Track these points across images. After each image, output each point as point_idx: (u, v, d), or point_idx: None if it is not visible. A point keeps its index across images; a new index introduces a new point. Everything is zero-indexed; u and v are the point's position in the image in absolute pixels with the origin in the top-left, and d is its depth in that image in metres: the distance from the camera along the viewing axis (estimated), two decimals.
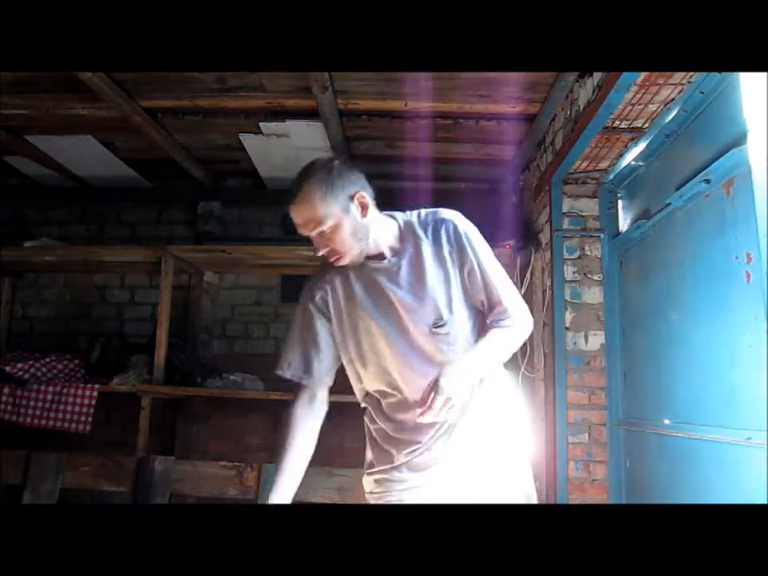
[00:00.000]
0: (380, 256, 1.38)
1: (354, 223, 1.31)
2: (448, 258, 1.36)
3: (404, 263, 1.37)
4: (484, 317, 1.41)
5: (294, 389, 1.46)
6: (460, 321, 1.37)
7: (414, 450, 1.38)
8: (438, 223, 1.38)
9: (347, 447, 3.32)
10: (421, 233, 1.38)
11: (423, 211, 1.43)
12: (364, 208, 1.33)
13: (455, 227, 1.38)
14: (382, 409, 1.45)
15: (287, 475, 1.37)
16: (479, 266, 1.37)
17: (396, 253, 1.38)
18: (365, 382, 1.46)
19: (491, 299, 1.38)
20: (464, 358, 1.29)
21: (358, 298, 1.39)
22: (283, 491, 1.36)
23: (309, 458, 1.42)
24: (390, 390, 1.41)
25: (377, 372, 1.41)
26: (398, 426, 1.41)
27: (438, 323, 1.34)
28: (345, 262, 1.35)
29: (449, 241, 1.37)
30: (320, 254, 1.34)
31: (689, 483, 1.87)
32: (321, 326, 1.44)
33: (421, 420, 1.21)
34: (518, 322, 1.39)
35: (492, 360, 1.37)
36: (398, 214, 1.44)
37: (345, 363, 1.48)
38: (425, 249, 1.37)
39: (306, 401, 1.44)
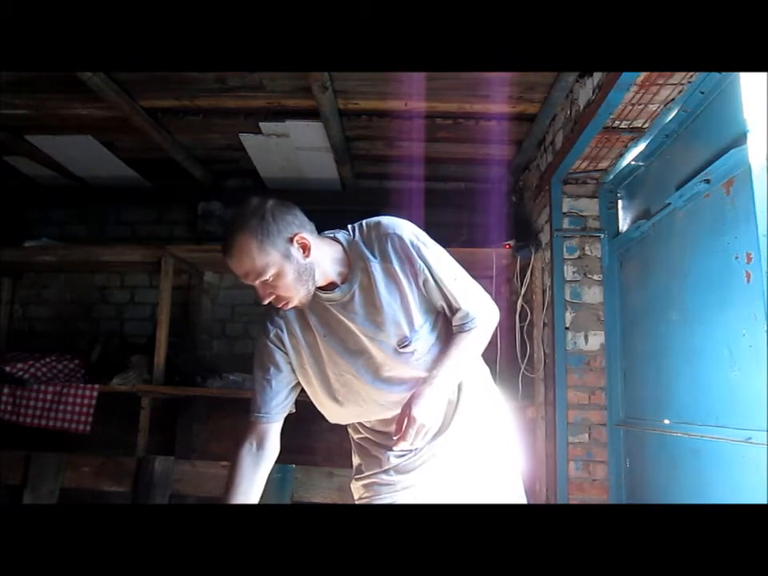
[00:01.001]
0: (330, 286, 1.33)
1: (297, 266, 1.25)
2: (400, 273, 1.31)
3: (356, 289, 1.32)
4: (446, 316, 1.39)
5: (244, 428, 1.41)
6: (423, 334, 1.34)
7: (402, 455, 1.39)
8: (384, 239, 1.32)
9: (347, 447, 3.31)
10: (367, 253, 1.32)
11: (365, 226, 1.36)
12: (305, 249, 1.27)
13: (400, 239, 1.31)
14: (364, 423, 1.46)
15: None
16: (432, 273, 1.32)
17: (345, 278, 1.33)
18: (337, 415, 1.44)
19: (451, 304, 1.35)
20: (433, 380, 1.27)
21: (316, 332, 1.36)
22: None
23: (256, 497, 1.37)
24: (364, 421, 1.44)
25: (349, 401, 1.38)
26: (383, 435, 1.43)
27: (403, 344, 1.31)
28: (293, 305, 1.30)
29: (397, 255, 1.31)
30: (265, 302, 1.28)
31: (689, 483, 1.87)
32: (279, 361, 1.39)
33: (396, 448, 1.24)
34: (480, 319, 1.36)
35: (462, 367, 1.36)
36: (340, 235, 1.37)
37: (312, 397, 1.45)
38: (375, 269, 1.31)
39: (254, 446, 1.39)
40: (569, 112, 2.35)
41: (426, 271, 1.31)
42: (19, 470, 2.41)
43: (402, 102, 2.58)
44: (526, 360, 2.79)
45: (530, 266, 2.81)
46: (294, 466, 2.39)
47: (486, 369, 1.54)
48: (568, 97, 2.36)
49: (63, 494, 2.39)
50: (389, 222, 1.34)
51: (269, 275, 1.24)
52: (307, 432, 3.27)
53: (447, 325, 1.39)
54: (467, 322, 1.34)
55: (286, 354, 1.39)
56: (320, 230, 1.37)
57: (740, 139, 1.58)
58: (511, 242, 2.89)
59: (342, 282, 1.33)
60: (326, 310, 1.34)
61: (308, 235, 1.28)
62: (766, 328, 1.45)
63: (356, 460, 1.52)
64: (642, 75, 1.80)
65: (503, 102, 2.54)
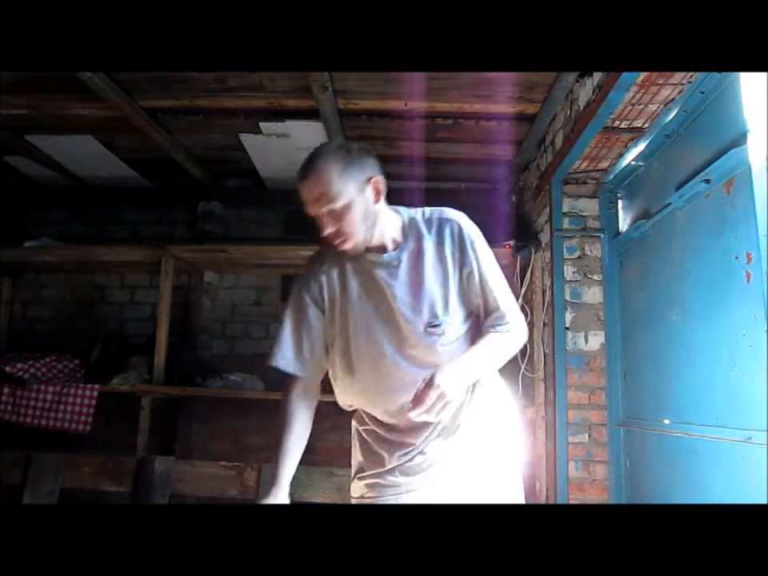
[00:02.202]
0: (381, 248, 1.35)
1: (366, 207, 1.29)
2: (449, 257, 1.34)
3: (404, 258, 1.34)
4: (479, 321, 1.39)
5: (285, 379, 1.44)
6: (455, 322, 1.34)
7: (407, 453, 1.37)
8: (443, 222, 1.36)
9: (347, 447, 3.31)
10: (424, 230, 1.36)
11: (428, 210, 1.41)
12: (378, 193, 1.31)
13: (460, 228, 1.35)
14: (370, 413, 1.44)
15: (285, 468, 1.36)
16: (479, 269, 1.34)
17: (397, 246, 1.35)
18: (346, 391, 1.43)
19: (488, 303, 1.35)
20: (460, 360, 1.26)
21: (353, 292, 1.37)
22: (281, 482, 1.34)
23: (303, 449, 1.41)
24: (374, 397, 1.39)
25: (361, 373, 1.37)
26: (389, 427, 1.40)
27: (433, 322, 1.31)
28: (348, 245, 1.31)
29: (452, 241, 1.34)
30: (326, 233, 1.29)
31: (689, 483, 1.87)
32: (314, 316, 1.40)
33: (413, 416, 1.16)
34: (515, 329, 1.36)
35: (487, 364, 1.35)
36: (402, 210, 1.41)
37: (329, 364, 1.44)
38: (427, 246, 1.34)
39: (300, 392, 1.42)
40: (569, 112, 2.35)
41: (474, 265, 1.34)
42: (19, 470, 2.41)
43: (402, 102, 2.58)
44: (526, 360, 2.79)
45: (530, 266, 2.81)
46: None
47: (502, 380, 1.52)
48: (568, 97, 2.36)
49: (63, 494, 2.39)
50: (452, 211, 1.39)
51: (339, 204, 1.26)
52: None
53: (477, 326, 1.39)
54: (502, 324, 1.34)
55: (322, 309, 1.40)
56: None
57: (740, 139, 1.58)
58: (511, 242, 2.89)
59: (393, 249, 1.35)
60: (369, 272, 1.35)
61: (383, 183, 1.32)
62: (766, 328, 1.45)
63: (357, 457, 1.49)
64: (642, 75, 1.80)
65: (503, 102, 2.54)
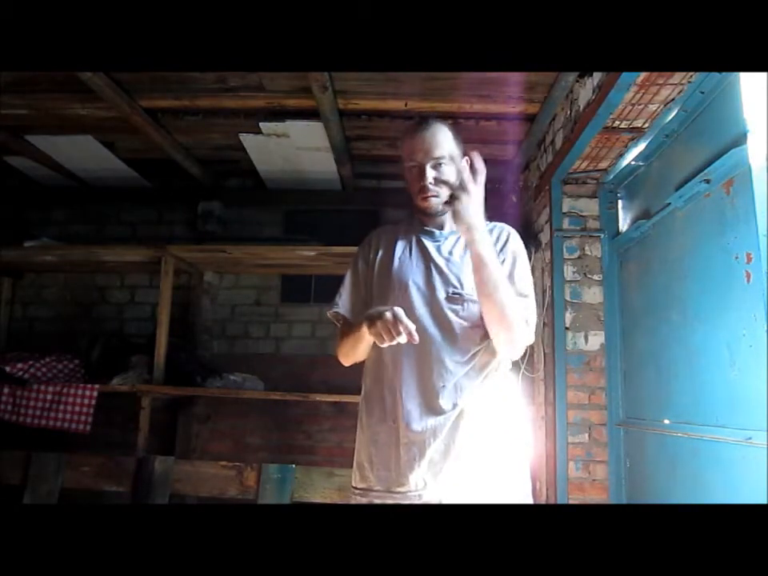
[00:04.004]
0: (440, 226, 1.49)
1: (456, 174, 1.42)
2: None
3: (452, 238, 1.47)
4: None
5: (340, 321, 1.53)
6: (473, 303, 1.39)
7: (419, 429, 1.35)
8: (497, 226, 1.50)
9: (347, 447, 3.32)
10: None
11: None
12: (464, 169, 1.40)
13: (509, 234, 1.49)
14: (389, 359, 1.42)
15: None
16: (512, 266, 1.43)
17: (452, 229, 1.46)
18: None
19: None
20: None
21: (399, 253, 1.48)
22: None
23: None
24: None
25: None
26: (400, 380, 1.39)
27: (455, 291, 1.40)
28: (435, 201, 1.43)
29: (498, 239, 1.46)
30: (426, 181, 1.41)
31: (689, 483, 1.87)
32: (364, 274, 1.52)
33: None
34: (529, 323, 1.38)
35: (493, 274, 1.33)
36: None
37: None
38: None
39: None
40: (569, 112, 2.35)
41: (509, 262, 1.44)
42: (19, 470, 2.41)
43: (402, 102, 2.58)
44: (525, 360, 2.79)
45: (530, 266, 2.81)
46: (294, 465, 2.39)
47: (510, 375, 1.52)
48: (568, 97, 2.36)
49: (63, 493, 2.39)
50: (509, 226, 1.53)
51: (446, 157, 1.41)
52: (307, 432, 3.27)
53: None
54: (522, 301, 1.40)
55: (369, 268, 1.52)
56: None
57: (740, 139, 1.58)
58: None
59: (448, 231, 1.49)
60: (419, 242, 1.48)
61: (469, 164, 1.42)
62: (766, 328, 1.45)
63: (364, 453, 1.44)
64: (642, 75, 1.80)
65: (503, 102, 2.54)
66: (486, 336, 1.39)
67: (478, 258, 1.32)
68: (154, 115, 2.74)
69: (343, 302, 1.53)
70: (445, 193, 1.42)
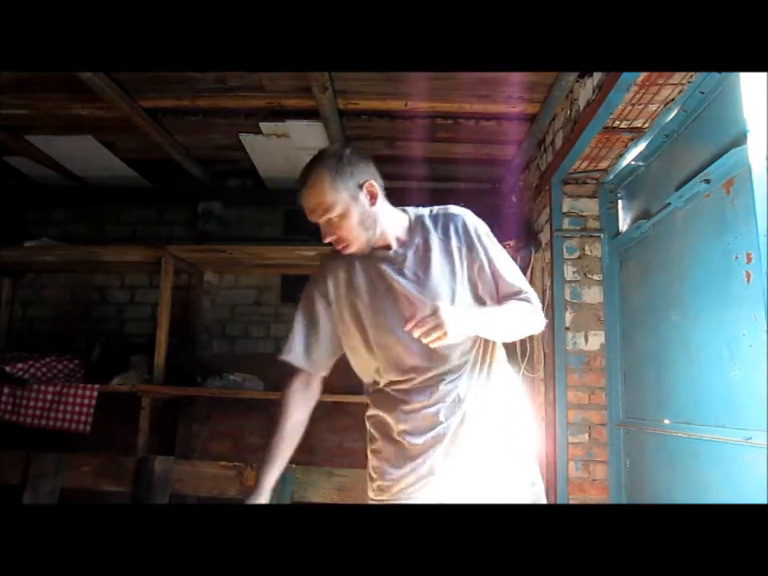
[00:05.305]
0: (386, 247, 1.39)
1: (363, 211, 1.32)
2: (456, 252, 1.37)
3: (410, 254, 1.37)
4: None
5: (290, 373, 1.46)
6: None
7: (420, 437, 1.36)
8: (449, 218, 1.40)
9: (347, 447, 3.32)
10: (431, 226, 1.40)
11: (434, 208, 1.44)
12: (373, 197, 1.34)
13: (465, 223, 1.39)
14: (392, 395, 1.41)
15: (273, 467, 1.38)
16: (489, 262, 1.37)
17: (403, 244, 1.39)
18: (372, 370, 1.44)
19: (505, 289, 1.37)
20: (468, 310, 1.29)
21: (361, 287, 1.39)
22: (263, 485, 1.35)
23: (294, 446, 1.42)
24: (400, 377, 1.39)
25: (383, 359, 1.39)
26: (407, 409, 1.38)
27: (435, 311, 1.30)
28: (351, 249, 1.35)
29: (458, 235, 1.38)
30: (327, 240, 1.34)
31: (689, 483, 1.87)
32: (322, 312, 1.44)
33: (407, 328, 1.19)
34: (533, 300, 1.37)
35: (497, 321, 1.33)
36: (410, 209, 1.45)
37: (348, 351, 1.47)
38: (433, 241, 1.37)
39: (301, 386, 1.44)
40: (569, 112, 2.35)
41: (484, 258, 1.37)
42: (19, 470, 2.40)
43: (402, 102, 2.58)
44: (526, 360, 2.79)
45: (530, 266, 2.81)
46: (294, 465, 2.38)
47: (514, 373, 1.53)
48: (568, 97, 2.36)
49: (63, 493, 2.39)
50: (458, 208, 1.43)
51: (335, 213, 1.30)
52: (307, 432, 3.26)
53: None
54: (521, 296, 1.36)
55: (330, 304, 1.43)
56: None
57: (740, 139, 1.58)
58: (511, 242, 2.88)
59: (399, 247, 1.39)
60: (376, 269, 1.38)
61: (377, 185, 1.35)
62: (765, 328, 1.45)
63: (375, 449, 1.45)
64: (642, 75, 1.80)
65: (503, 102, 2.54)
66: (476, 338, 1.38)
67: (476, 333, 1.32)
68: (154, 115, 2.74)
69: (296, 349, 1.43)
70: (356, 232, 1.32)
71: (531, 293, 1.39)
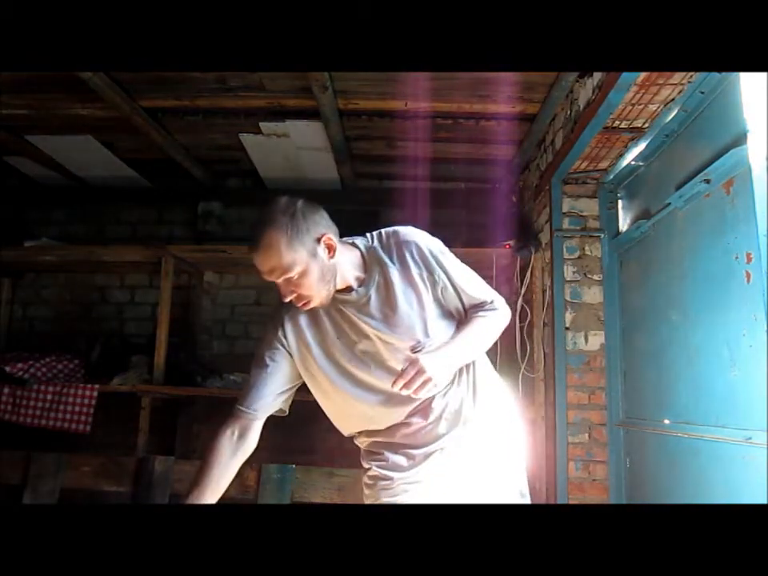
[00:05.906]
0: (347, 289, 1.34)
1: (322, 266, 1.27)
2: (418, 280, 1.34)
3: (372, 293, 1.33)
4: (462, 320, 1.42)
5: (229, 415, 1.40)
6: (438, 342, 1.33)
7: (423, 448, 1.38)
8: (401, 246, 1.35)
9: (347, 448, 3.30)
10: (386, 259, 1.35)
11: (383, 234, 1.39)
12: (331, 250, 1.28)
13: (418, 247, 1.35)
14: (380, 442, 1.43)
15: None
16: (450, 280, 1.36)
17: (363, 282, 1.34)
18: (344, 420, 1.46)
19: (470, 302, 1.40)
20: (446, 345, 1.29)
21: (329, 333, 1.36)
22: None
23: (221, 491, 1.36)
24: (371, 428, 1.41)
25: (358, 405, 1.38)
26: (400, 442, 1.41)
27: (416, 349, 1.30)
28: (313, 305, 1.31)
29: (415, 263, 1.34)
30: (287, 300, 1.29)
31: (689, 483, 1.87)
32: (280, 362, 1.39)
33: (395, 388, 1.19)
34: (498, 307, 1.41)
35: (474, 345, 1.37)
36: (358, 240, 1.40)
37: (319, 398, 1.45)
38: (393, 274, 1.33)
39: (236, 435, 1.38)
40: (569, 112, 2.35)
41: (445, 279, 1.35)
42: (19, 470, 2.40)
43: (402, 102, 2.58)
44: (526, 360, 2.79)
45: (530, 266, 2.81)
46: (294, 465, 2.38)
47: (504, 381, 1.55)
48: (568, 97, 2.36)
49: (63, 493, 2.39)
50: (406, 230, 1.38)
51: (294, 273, 1.24)
52: (307, 432, 3.27)
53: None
54: (486, 307, 1.39)
55: (291, 355, 1.39)
56: None
57: (740, 139, 1.58)
58: (511, 242, 2.88)
59: (359, 286, 1.34)
60: (341, 312, 1.35)
61: (334, 237, 1.30)
62: (766, 328, 1.45)
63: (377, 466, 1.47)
64: (642, 75, 1.80)
65: (503, 102, 2.54)
66: None
67: (458, 364, 1.35)
68: (154, 115, 2.74)
69: (252, 400, 1.38)
70: (317, 288, 1.27)
71: (494, 295, 1.43)
